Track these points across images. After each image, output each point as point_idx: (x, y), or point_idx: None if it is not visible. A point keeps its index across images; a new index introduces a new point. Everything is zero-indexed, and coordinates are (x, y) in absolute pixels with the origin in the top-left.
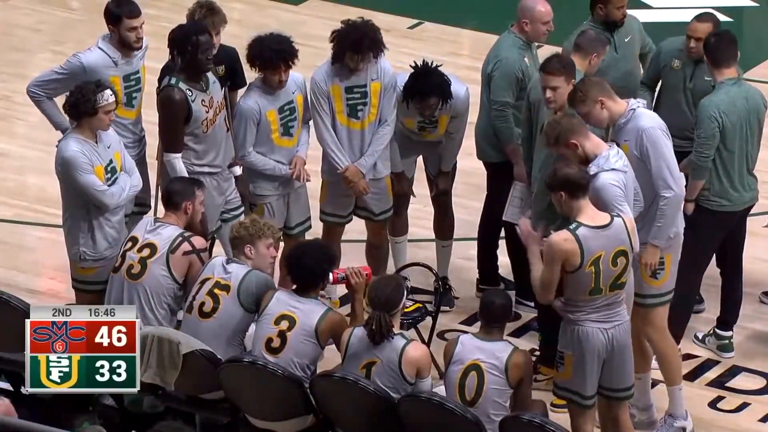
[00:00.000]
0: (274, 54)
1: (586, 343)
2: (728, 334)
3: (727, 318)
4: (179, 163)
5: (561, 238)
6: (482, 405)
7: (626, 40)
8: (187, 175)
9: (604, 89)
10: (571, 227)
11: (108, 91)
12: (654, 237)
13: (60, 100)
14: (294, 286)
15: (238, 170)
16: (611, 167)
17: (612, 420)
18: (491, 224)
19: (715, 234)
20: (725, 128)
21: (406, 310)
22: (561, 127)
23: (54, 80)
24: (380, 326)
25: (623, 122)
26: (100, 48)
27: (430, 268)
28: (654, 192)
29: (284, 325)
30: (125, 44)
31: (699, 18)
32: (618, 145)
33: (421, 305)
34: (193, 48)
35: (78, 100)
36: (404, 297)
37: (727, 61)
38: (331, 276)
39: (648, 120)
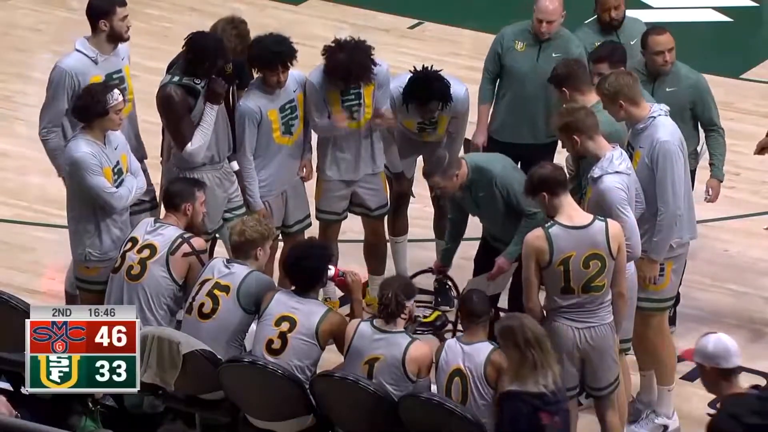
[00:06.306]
0: (272, 55)
1: (556, 338)
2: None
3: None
4: (196, 140)
5: (533, 235)
6: (468, 409)
7: (632, 43)
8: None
9: (630, 93)
10: (546, 225)
11: (116, 91)
12: (652, 251)
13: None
14: (293, 287)
15: (236, 164)
16: (615, 170)
17: (600, 420)
18: None
19: None
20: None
21: (426, 319)
22: (573, 119)
23: (49, 106)
24: (390, 302)
25: (641, 128)
26: (77, 50)
27: (431, 270)
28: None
29: (285, 326)
30: (117, 36)
31: (657, 31)
32: (633, 149)
33: (441, 313)
34: (209, 66)
35: (88, 102)
36: (411, 298)
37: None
38: (333, 270)
39: (665, 132)
